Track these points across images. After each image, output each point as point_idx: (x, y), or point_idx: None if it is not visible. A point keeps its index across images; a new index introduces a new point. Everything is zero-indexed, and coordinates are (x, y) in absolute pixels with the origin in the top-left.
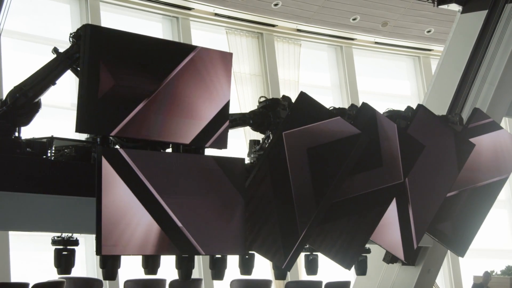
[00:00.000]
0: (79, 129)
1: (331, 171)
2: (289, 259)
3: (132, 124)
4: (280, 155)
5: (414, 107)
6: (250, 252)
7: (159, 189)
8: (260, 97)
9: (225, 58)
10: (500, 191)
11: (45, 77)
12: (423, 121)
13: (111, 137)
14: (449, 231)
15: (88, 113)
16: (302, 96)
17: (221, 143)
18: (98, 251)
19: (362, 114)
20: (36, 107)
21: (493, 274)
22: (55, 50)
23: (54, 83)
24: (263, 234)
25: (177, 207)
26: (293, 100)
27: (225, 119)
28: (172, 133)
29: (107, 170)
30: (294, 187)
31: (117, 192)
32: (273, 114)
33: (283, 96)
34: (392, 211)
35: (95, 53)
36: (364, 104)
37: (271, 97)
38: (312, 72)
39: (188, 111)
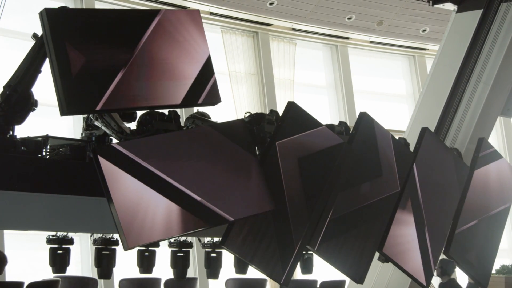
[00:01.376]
0: (63, 111)
1: (320, 181)
2: (287, 273)
3: (116, 95)
4: (274, 166)
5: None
6: None
7: (166, 171)
8: (245, 113)
9: (193, 15)
10: (507, 218)
11: (29, 67)
12: (430, 144)
13: (107, 135)
14: (474, 260)
15: (66, 94)
16: (291, 105)
17: (214, 98)
18: (125, 246)
19: (361, 124)
20: (30, 104)
21: None
22: (34, 35)
23: (40, 71)
24: (262, 248)
25: (190, 183)
26: (281, 113)
27: (211, 74)
28: (159, 96)
29: (107, 167)
30: (288, 198)
31: (125, 186)
32: (258, 129)
33: (271, 110)
34: (412, 235)
35: (58, 35)
36: (362, 113)
37: (256, 112)
38: (307, 71)
39: (170, 73)
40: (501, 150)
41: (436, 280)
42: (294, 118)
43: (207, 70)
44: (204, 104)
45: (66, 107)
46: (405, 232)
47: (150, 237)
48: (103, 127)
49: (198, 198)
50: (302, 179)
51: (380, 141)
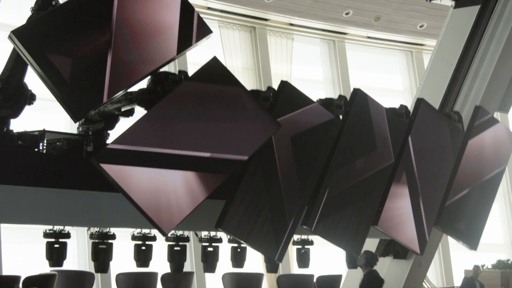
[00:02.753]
0: (75, 117)
1: (313, 159)
2: (280, 250)
3: (116, 78)
4: (268, 146)
5: (406, 103)
6: (241, 246)
7: (166, 145)
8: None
9: None
10: (500, 182)
11: (18, 58)
12: (425, 115)
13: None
14: (464, 228)
15: (70, 101)
16: (285, 85)
17: (204, 31)
18: (163, 233)
19: (355, 100)
20: (25, 97)
21: (484, 268)
22: None
23: None
24: (257, 228)
25: (193, 144)
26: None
27: (191, 11)
28: (155, 57)
29: (113, 170)
30: (281, 176)
31: (137, 180)
32: (162, 89)
33: (268, 87)
34: (407, 207)
35: (36, 51)
36: (356, 89)
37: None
38: (304, 66)
39: (154, 30)
40: None
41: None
42: (287, 97)
43: (186, 9)
44: (198, 40)
45: (76, 113)
46: (399, 205)
47: (180, 214)
48: (110, 108)
49: (207, 154)
50: (295, 158)
51: (375, 116)
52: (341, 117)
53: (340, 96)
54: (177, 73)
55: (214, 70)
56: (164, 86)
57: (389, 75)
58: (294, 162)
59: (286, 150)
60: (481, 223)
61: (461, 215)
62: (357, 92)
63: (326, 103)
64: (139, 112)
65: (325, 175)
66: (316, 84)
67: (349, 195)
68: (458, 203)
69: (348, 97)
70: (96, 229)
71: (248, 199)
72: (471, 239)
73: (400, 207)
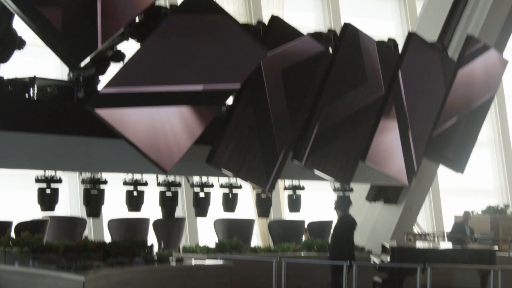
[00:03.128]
0: (71, 65)
1: (303, 91)
2: (271, 180)
3: (108, 20)
4: (258, 79)
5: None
6: (233, 191)
7: (158, 81)
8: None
9: None
10: (489, 107)
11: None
12: (416, 48)
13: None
14: (451, 154)
15: (65, 49)
16: (274, 19)
17: None
18: (164, 171)
19: (345, 34)
20: (14, 41)
21: (474, 213)
22: None
23: None
24: (248, 161)
25: (185, 78)
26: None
27: None
28: None
29: (109, 114)
30: (272, 109)
31: (133, 121)
32: (153, 22)
33: (258, 21)
34: (395, 140)
35: (24, 4)
36: (346, 24)
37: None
38: (296, 12)
39: None
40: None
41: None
42: (278, 30)
43: None
44: None
45: (72, 61)
46: (388, 138)
47: (180, 150)
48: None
49: (200, 87)
50: (286, 90)
51: (365, 49)
52: (331, 50)
53: (329, 30)
54: (168, 7)
55: (198, 0)
56: (155, 19)
57: (381, 21)
58: (284, 95)
59: (276, 83)
60: (468, 148)
61: (449, 143)
62: (347, 26)
63: (316, 36)
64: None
65: (315, 109)
66: (309, 30)
67: (339, 128)
68: (446, 131)
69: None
70: (88, 174)
71: (238, 133)
72: (458, 164)
73: (388, 141)
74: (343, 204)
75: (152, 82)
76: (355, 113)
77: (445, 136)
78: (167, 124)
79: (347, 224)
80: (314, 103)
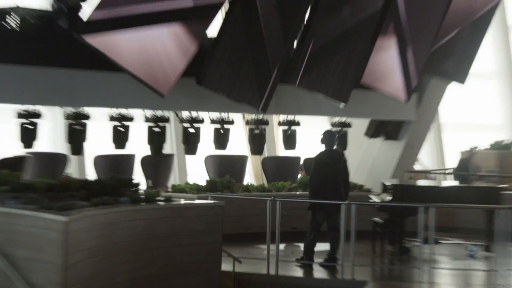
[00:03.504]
0: None
1: (296, 7)
2: (264, 100)
3: None
4: None
5: None
6: (224, 126)
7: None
8: None
9: None
10: (493, 16)
11: None
12: None
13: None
14: (452, 67)
15: None
16: None
17: None
18: (161, 95)
19: None
20: None
21: (477, 149)
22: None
23: None
24: (239, 82)
25: None
26: None
27: None
28: None
29: (98, 40)
30: (264, 26)
31: (124, 44)
32: None
33: None
34: (393, 58)
35: None
36: None
37: None
38: None
39: None
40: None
41: None
42: None
43: None
44: None
45: None
46: (386, 56)
47: (175, 72)
48: None
49: (191, 3)
50: (278, 6)
51: None
52: None
53: None
54: None
55: None
56: None
57: None
58: (277, 12)
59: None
60: (469, 59)
61: (449, 55)
62: None
63: None
64: None
65: (309, 26)
66: None
67: (334, 46)
68: (446, 44)
69: None
70: (72, 110)
71: (229, 52)
72: (459, 75)
73: (386, 59)
74: (329, 139)
75: (140, 1)
76: (351, 30)
77: (445, 49)
78: (160, 45)
79: (322, 157)
80: (308, 19)
